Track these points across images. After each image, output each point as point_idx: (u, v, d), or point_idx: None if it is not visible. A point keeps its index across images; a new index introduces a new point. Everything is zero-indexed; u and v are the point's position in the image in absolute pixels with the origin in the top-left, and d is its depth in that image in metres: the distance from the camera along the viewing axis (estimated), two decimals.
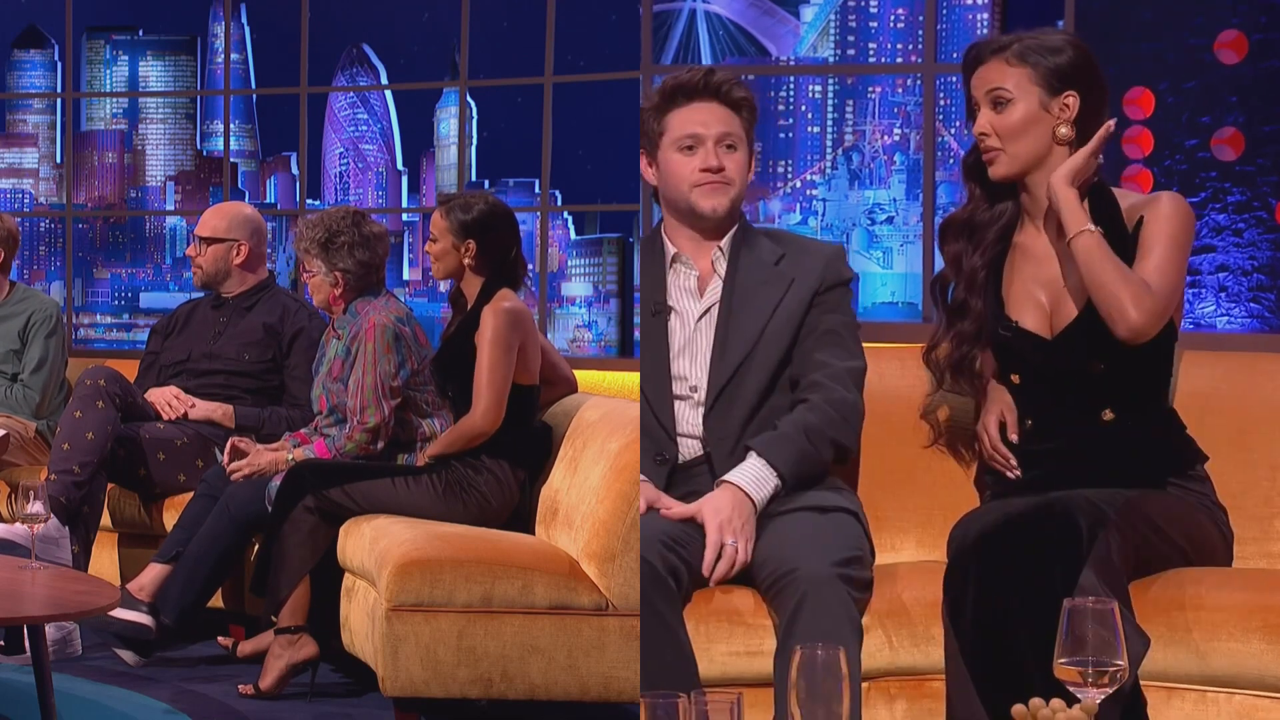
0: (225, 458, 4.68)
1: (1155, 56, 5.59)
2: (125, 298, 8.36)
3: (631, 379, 5.71)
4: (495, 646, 3.86)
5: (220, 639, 4.70)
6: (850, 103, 7.18)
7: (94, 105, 8.45)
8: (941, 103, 6.47)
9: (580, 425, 4.32)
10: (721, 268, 3.46)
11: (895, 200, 7.01)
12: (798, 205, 7.14)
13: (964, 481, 3.60)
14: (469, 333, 4.39)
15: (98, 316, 8.37)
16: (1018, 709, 2.29)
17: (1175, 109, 5.57)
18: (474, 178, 7.42)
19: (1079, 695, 2.30)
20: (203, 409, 5.10)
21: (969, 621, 3.01)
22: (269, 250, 6.87)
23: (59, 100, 8.27)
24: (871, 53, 7.11)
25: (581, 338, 7.56)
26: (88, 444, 4.79)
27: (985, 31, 6.75)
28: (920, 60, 6.50)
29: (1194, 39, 5.57)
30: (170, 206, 8.38)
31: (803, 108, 7.26)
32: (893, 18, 7.07)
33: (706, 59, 7.08)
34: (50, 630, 4.44)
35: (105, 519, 5.00)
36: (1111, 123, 3.29)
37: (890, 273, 7.03)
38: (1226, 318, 5.52)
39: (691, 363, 3.43)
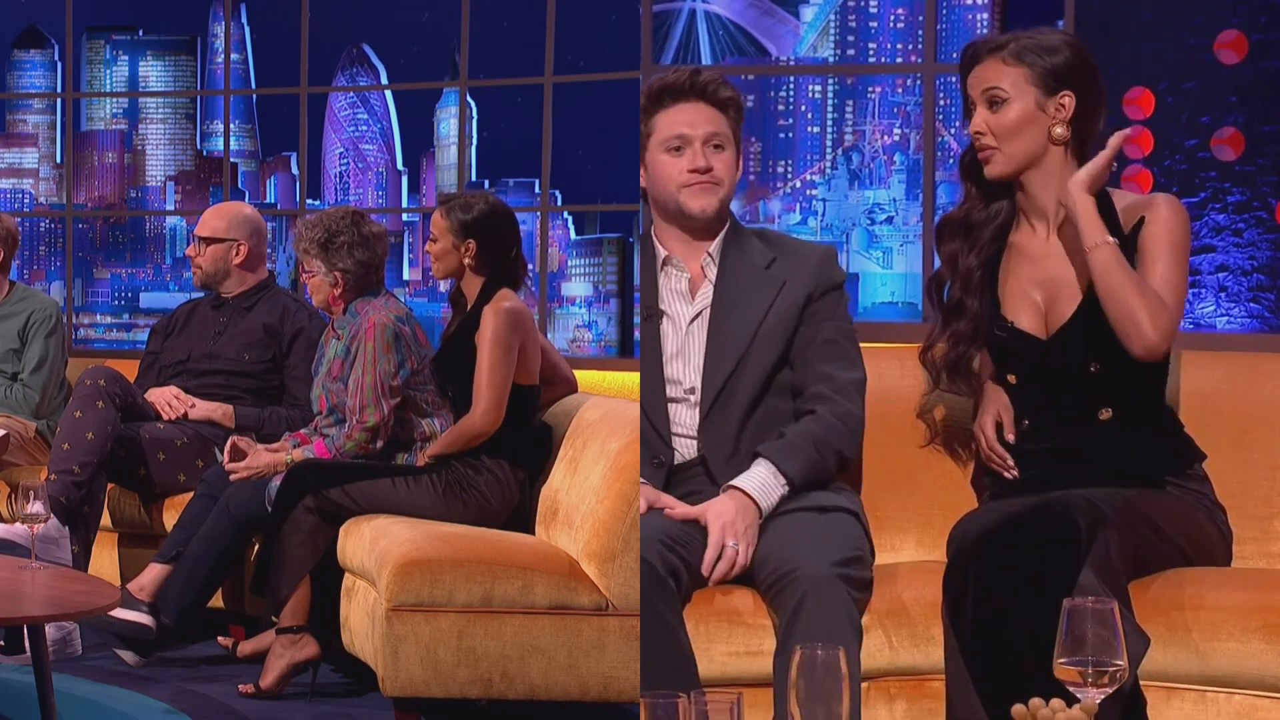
0: (225, 457, 4.68)
1: (1155, 56, 5.59)
2: (125, 298, 8.36)
3: (631, 379, 5.71)
4: (495, 646, 3.86)
5: (220, 639, 4.70)
6: (850, 103, 7.18)
7: (94, 105, 8.45)
8: (941, 103, 6.47)
9: (580, 425, 4.32)
10: (712, 273, 3.47)
11: (895, 200, 7.01)
12: (797, 205, 7.14)
13: (964, 481, 3.60)
14: (469, 333, 4.39)
15: (98, 316, 8.37)
16: (1017, 709, 2.29)
17: (1175, 109, 5.57)
18: (474, 178, 7.42)
19: (1079, 695, 2.30)
20: (203, 409, 5.10)
21: (969, 621, 3.01)
22: (269, 250, 6.87)
23: (59, 100, 8.27)
24: (871, 53, 7.12)
25: (581, 338, 7.57)
26: (88, 444, 4.79)
27: (985, 31, 6.75)
28: (920, 60, 6.50)
29: (1194, 39, 5.57)
30: (170, 206, 8.38)
31: (802, 108, 7.27)
32: (892, 18, 7.08)
33: (706, 59, 7.08)
34: (50, 630, 4.44)
35: (105, 519, 5.00)
36: (1128, 131, 3.27)
37: (890, 273, 7.03)
38: (1226, 318, 5.51)
39: (685, 366, 3.43)
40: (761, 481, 3.28)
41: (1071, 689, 2.31)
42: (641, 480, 3.37)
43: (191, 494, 4.83)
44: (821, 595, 3.08)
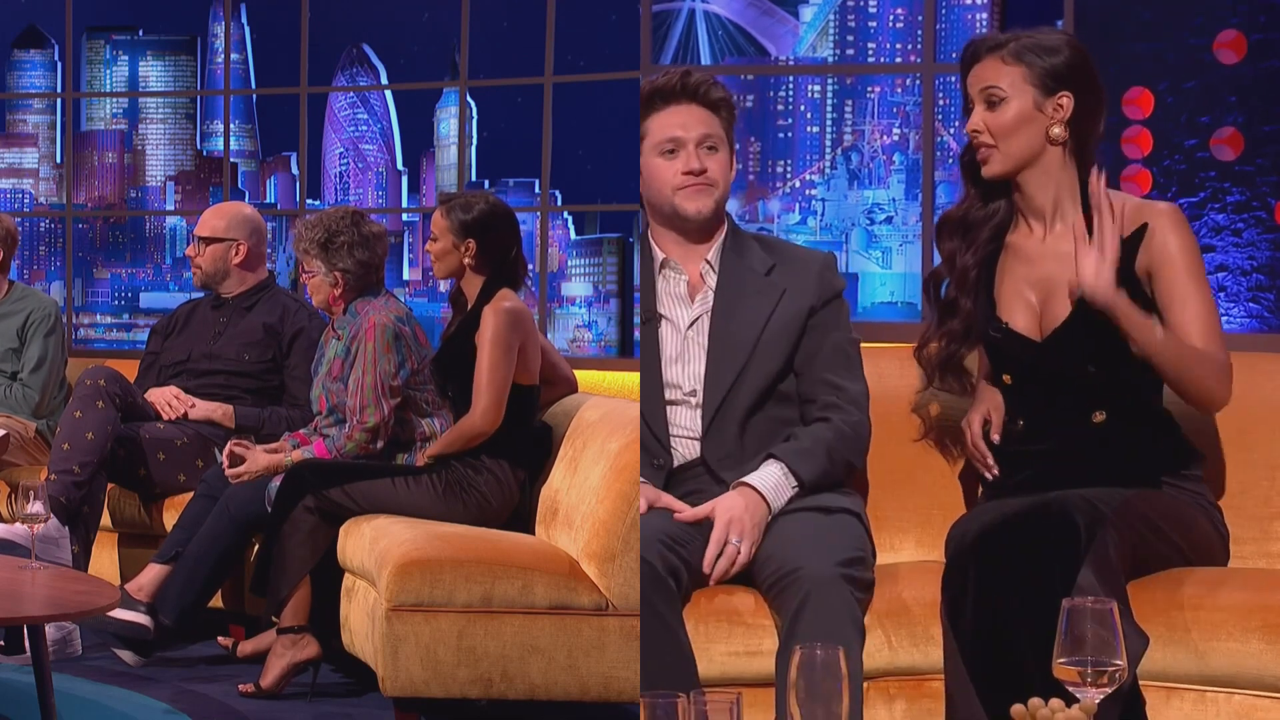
0: (225, 461, 4.68)
1: (1155, 56, 5.59)
2: (125, 298, 8.36)
3: (631, 379, 5.71)
4: (495, 646, 3.86)
5: (220, 639, 4.70)
6: (849, 103, 7.18)
7: (94, 105, 8.46)
8: (940, 102, 6.47)
9: (580, 425, 4.32)
10: (711, 279, 3.47)
11: (894, 200, 7.01)
12: (797, 205, 7.14)
13: (964, 481, 3.61)
14: (469, 333, 4.39)
15: (98, 316, 8.38)
16: (1017, 709, 2.29)
17: (1174, 109, 5.57)
18: (474, 178, 7.42)
19: (1078, 695, 2.31)
20: (203, 409, 5.10)
21: (968, 621, 3.01)
22: (269, 250, 6.88)
23: (59, 100, 8.28)
24: (871, 53, 7.12)
25: (581, 338, 7.57)
26: (88, 444, 4.79)
27: (984, 31, 6.75)
28: (919, 60, 6.50)
29: (1193, 39, 5.56)
30: (170, 206, 8.38)
31: (802, 107, 7.27)
32: (892, 17, 7.08)
33: (706, 59, 7.08)
34: (50, 630, 4.45)
35: (105, 519, 5.00)
36: (1108, 204, 3.23)
37: (889, 272, 7.03)
38: (1226, 318, 5.51)
39: (684, 370, 3.43)
40: (775, 481, 3.29)
41: (1071, 689, 2.31)
42: (642, 480, 3.37)
43: (191, 494, 4.83)
44: (824, 595, 3.09)
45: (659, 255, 3.49)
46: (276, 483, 4.47)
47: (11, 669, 4.32)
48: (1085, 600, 2.31)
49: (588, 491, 3.99)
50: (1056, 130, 3.29)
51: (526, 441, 4.42)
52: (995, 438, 3.38)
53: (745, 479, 3.29)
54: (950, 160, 6.56)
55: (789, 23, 7.23)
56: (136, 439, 4.95)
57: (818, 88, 7.26)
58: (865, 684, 3.23)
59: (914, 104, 6.85)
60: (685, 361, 3.43)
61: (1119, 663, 2.30)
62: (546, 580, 3.88)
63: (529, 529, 4.32)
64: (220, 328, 5.26)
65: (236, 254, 5.26)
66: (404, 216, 8.27)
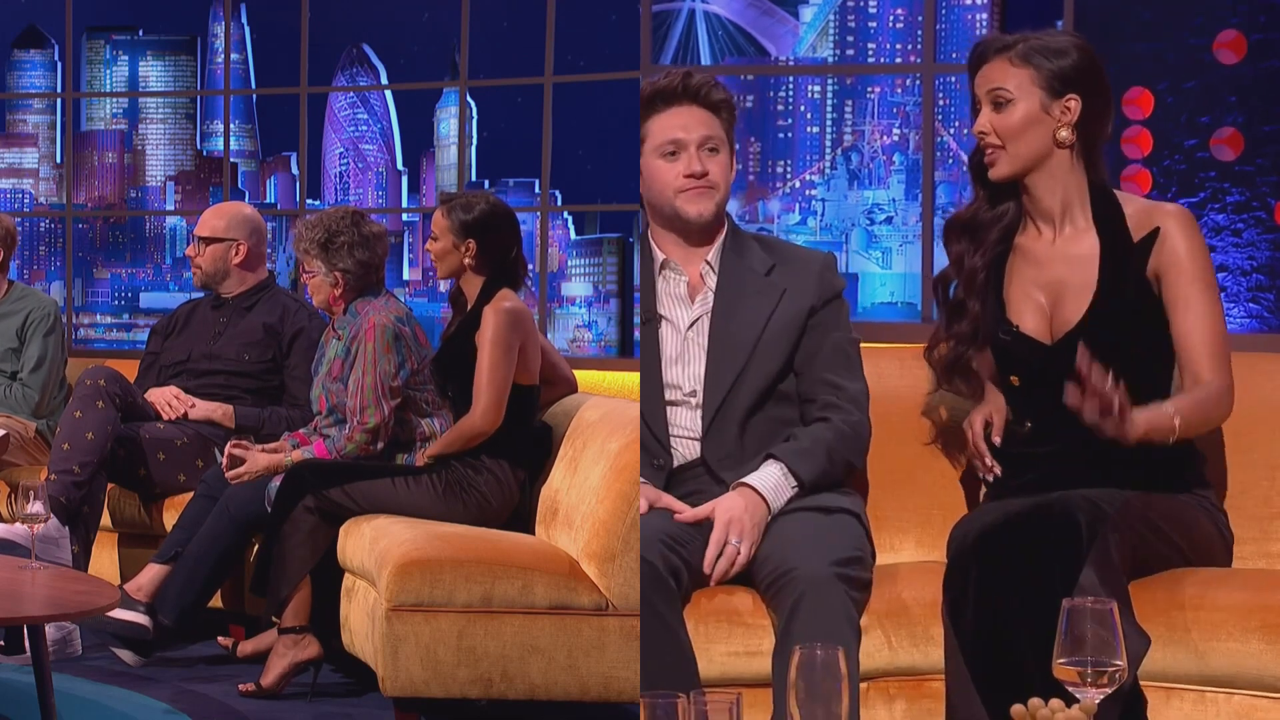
0: (225, 462, 4.68)
1: (1155, 56, 5.59)
2: (125, 298, 8.36)
3: (631, 379, 5.72)
4: (495, 646, 3.86)
5: (220, 639, 4.70)
6: (849, 103, 7.18)
7: (94, 105, 8.45)
8: (940, 103, 6.47)
9: (580, 425, 4.32)
10: (711, 280, 3.47)
11: (894, 200, 7.01)
12: (797, 205, 7.14)
13: (964, 482, 3.61)
14: (469, 333, 4.39)
15: (98, 316, 8.37)
16: (1017, 709, 2.29)
17: (1174, 109, 5.57)
18: (474, 178, 7.42)
19: (1078, 695, 2.31)
20: (203, 409, 5.10)
21: (969, 621, 3.01)
22: (269, 250, 6.88)
23: (59, 100, 8.27)
24: (871, 53, 7.11)
25: (581, 338, 7.57)
26: (88, 444, 4.79)
27: (984, 32, 6.75)
28: (919, 60, 6.50)
29: (1193, 39, 5.57)
30: (170, 206, 8.38)
31: (802, 108, 7.26)
32: (892, 18, 7.08)
33: (706, 59, 7.08)
34: (50, 630, 4.45)
35: (105, 519, 5.00)
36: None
37: (889, 273, 7.03)
38: (1226, 318, 5.51)
39: (684, 371, 3.43)
40: (775, 482, 3.29)
41: (1071, 689, 2.31)
42: (642, 480, 3.37)
43: (191, 494, 4.83)
44: (819, 595, 3.09)
45: (659, 256, 3.49)
46: (276, 483, 4.47)
47: (11, 669, 4.32)
48: (1085, 600, 2.31)
49: (588, 491, 3.99)
50: (1064, 133, 3.29)
51: (526, 441, 4.42)
52: (996, 439, 3.37)
53: (745, 479, 3.29)
54: (950, 161, 6.56)
55: (789, 23, 7.23)
56: (136, 439, 4.95)
57: (818, 88, 7.26)
58: (865, 684, 3.24)
59: (914, 104, 6.85)
60: (685, 362, 3.43)
61: (1119, 663, 2.30)
62: (546, 580, 3.88)
63: (529, 529, 4.32)
64: (220, 328, 5.26)
65: (236, 254, 5.26)
66: (404, 216, 8.27)
